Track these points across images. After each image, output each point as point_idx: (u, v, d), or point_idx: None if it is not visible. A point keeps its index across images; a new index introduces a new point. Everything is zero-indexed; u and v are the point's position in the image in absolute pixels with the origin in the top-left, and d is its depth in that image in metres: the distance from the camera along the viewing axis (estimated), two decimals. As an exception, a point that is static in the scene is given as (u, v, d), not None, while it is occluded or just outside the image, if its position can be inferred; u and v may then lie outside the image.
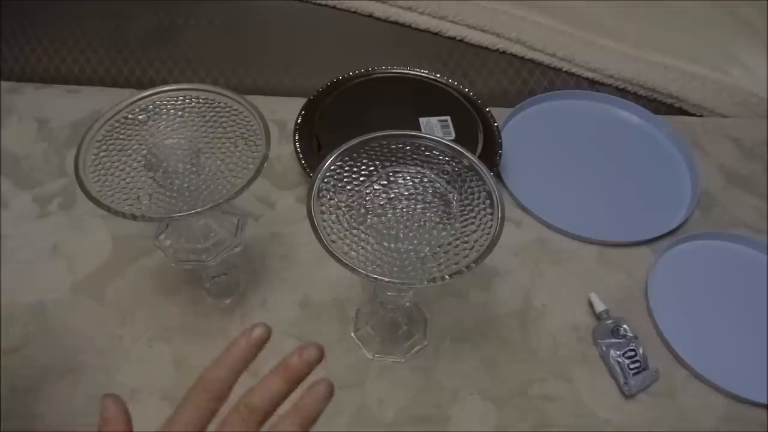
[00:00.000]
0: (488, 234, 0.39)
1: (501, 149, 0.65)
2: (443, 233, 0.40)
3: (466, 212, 0.41)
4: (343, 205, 0.41)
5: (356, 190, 0.42)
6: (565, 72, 0.79)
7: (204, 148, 0.45)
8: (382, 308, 0.52)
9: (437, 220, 0.41)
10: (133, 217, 0.40)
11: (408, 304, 0.49)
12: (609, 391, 0.52)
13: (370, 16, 0.83)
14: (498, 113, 0.70)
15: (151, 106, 0.46)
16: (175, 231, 0.49)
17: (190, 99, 0.47)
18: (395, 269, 0.39)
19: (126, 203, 0.41)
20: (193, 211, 0.39)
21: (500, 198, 0.40)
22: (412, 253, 0.40)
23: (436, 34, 0.82)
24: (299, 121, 0.67)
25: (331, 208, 0.40)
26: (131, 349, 0.52)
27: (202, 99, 0.47)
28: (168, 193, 0.43)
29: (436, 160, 0.43)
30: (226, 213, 0.50)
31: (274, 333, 0.53)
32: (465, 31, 0.81)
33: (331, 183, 0.41)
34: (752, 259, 0.61)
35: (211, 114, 0.46)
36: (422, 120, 0.68)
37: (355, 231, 0.40)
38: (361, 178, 0.42)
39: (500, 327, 0.55)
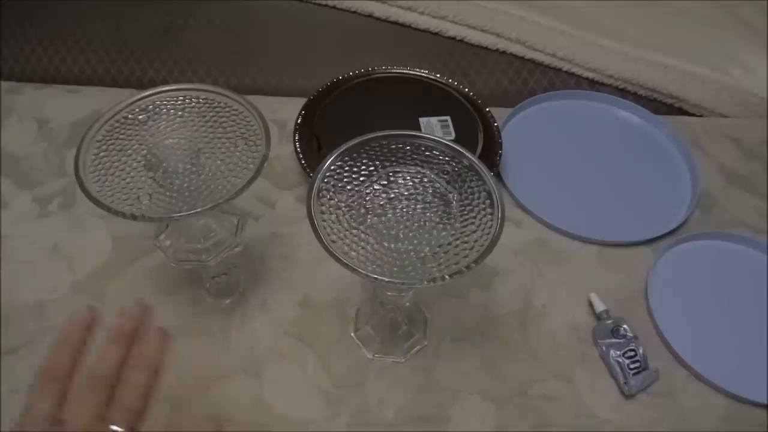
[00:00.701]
0: (488, 234, 0.39)
1: (501, 149, 0.65)
2: (443, 233, 0.40)
3: (466, 212, 0.41)
4: (343, 205, 0.41)
5: (356, 190, 0.42)
6: (565, 72, 0.79)
7: (204, 148, 0.45)
8: (382, 308, 0.52)
9: (437, 220, 0.41)
10: (133, 217, 0.40)
11: (408, 304, 0.49)
12: (609, 391, 0.52)
13: (370, 16, 0.83)
14: (498, 113, 0.70)
15: (151, 106, 0.46)
16: (175, 231, 0.49)
17: (190, 99, 0.47)
18: (395, 269, 0.39)
19: (126, 203, 0.41)
20: (193, 211, 0.39)
21: (500, 198, 0.40)
22: (412, 253, 0.40)
23: (436, 34, 0.82)
24: (299, 121, 0.67)
25: (331, 208, 0.40)
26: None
27: (202, 99, 0.47)
28: (168, 193, 0.43)
29: (436, 160, 0.43)
30: (226, 213, 0.50)
31: (274, 333, 0.54)
32: (465, 31, 0.81)
33: (331, 183, 0.41)
34: (752, 259, 0.61)
35: (211, 114, 0.46)
36: (422, 120, 0.68)
37: (355, 231, 0.40)
38: (361, 178, 0.42)
39: (500, 327, 0.55)
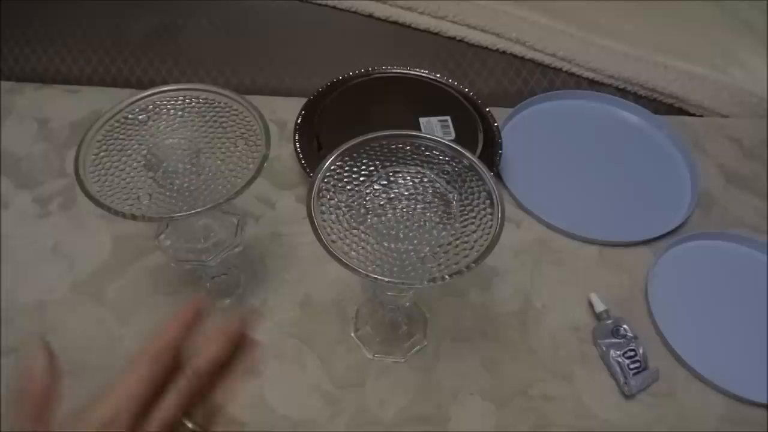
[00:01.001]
0: (488, 234, 0.39)
1: (501, 149, 0.65)
2: (443, 233, 0.40)
3: (466, 212, 0.41)
4: (343, 205, 0.41)
5: (356, 190, 0.42)
6: (565, 72, 0.79)
7: (204, 148, 0.45)
8: (382, 308, 0.52)
9: (437, 220, 0.41)
10: (133, 217, 0.40)
11: (408, 304, 0.49)
12: (609, 391, 0.52)
13: (370, 16, 0.83)
14: (498, 113, 0.70)
15: (151, 106, 0.46)
16: (175, 231, 0.49)
17: (190, 99, 0.47)
18: (395, 269, 0.39)
19: (126, 203, 0.41)
20: (193, 211, 0.39)
21: (500, 198, 0.40)
22: (412, 253, 0.40)
23: (436, 34, 0.82)
24: (299, 121, 0.67)
25: (331, 208, 0.40)
26: (131, 349, 0.52)
27: (202, 99, 0.47)
28: (168, 193, 0.43)
29: (436, 160, 0.43)
30: (226, 213, 0.50)
31: (274, 333, 0.54)
32: (465, 31, 0.81)
33: (331, 183, 0.41)
34: (752, 259, 0.61)
35: (211, 114, 0.46)
36: (422, 120, 0.68)
37: (355, 231, 0.40)
38: (361, 178, 0.42)
39: (500, 327, 0.55)
